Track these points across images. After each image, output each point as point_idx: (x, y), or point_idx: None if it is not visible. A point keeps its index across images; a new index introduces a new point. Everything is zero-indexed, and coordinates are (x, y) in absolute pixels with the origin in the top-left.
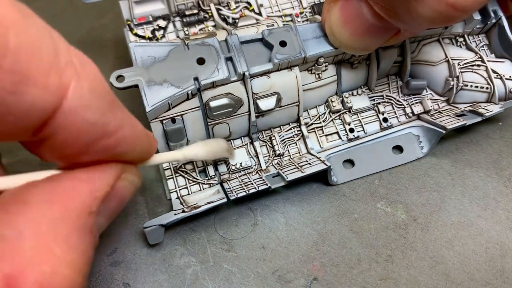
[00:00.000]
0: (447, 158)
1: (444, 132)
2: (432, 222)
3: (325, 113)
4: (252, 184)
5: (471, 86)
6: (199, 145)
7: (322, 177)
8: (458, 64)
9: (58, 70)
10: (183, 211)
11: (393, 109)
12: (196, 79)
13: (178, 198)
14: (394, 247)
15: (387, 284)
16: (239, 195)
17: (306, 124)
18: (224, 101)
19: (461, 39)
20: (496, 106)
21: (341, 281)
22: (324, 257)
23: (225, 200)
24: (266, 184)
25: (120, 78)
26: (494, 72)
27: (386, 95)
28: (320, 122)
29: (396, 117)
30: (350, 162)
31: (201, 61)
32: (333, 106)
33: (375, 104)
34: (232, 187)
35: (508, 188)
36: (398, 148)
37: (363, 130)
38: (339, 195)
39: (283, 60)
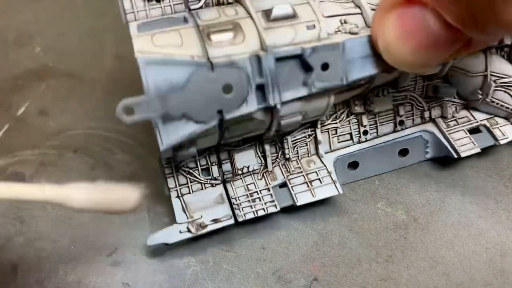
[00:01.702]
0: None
1: (455, 157)
2: (433, 222)
3: (343, 112)
4: (260, 199)
5: (497, 104)
6: (85, 187)
7: None
8: (495, 81)
9: None
10: (189, 230)
11: (412, 109)
12: (220, 111)
13: (178, 197)
14: (395, 247)
15: (387, 284)
16: (247, 217)
17: (321, 123)
18: (244, 126)
19: (507, 49)
20: None
21: (341, 282)
22: (324, 258)
23: (232, 221)
24: (275, 207)
25: (129, 110)
26: None
27: (410, 96)
28: (336, 123)
29: (413, 118)
30: (354, 163)
31: (228, 89)
32: (355, 110)
33: (396, 105)
34: (238, 196)
35: (509, 188)
36: (404, 150)
37: (377, 131)
38: (339, 195)
39: (321, 89)
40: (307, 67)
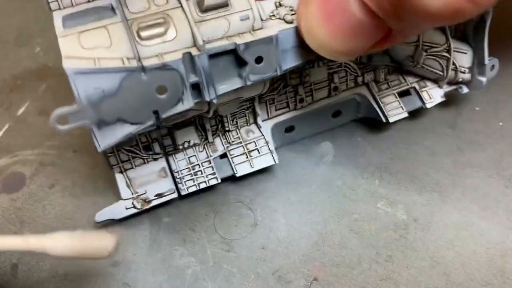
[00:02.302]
0: (447, 158)
1: (384, 121)
2: (433, 222)
3: (280, 84)
4: (201, 172)
5: (427, 69)
6: (64, 237)
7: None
8: (426, 50)
9: None
10: (134, 206)
11: (346, 75)
12: (155, 112)
13: (121, 172)
14: (395, 247)
15: (387, 284)
16: (189, 190)
17: (259, 96)
18: (182, 115)
19: None
20: (440, 91)
21: (341, 282)
22: (325, 258)
23: (175, 195)
24: (216, 179)
25: (62, 119)
26: (453, 64)
27: (345, 63)
28: (274, 94)
29: (346, 83)
30: (290, 127)
31: (162, 91)
32: (291, 82)
33: (331, 73)
34: (180, 170)
35: (509, 188)
36: (338, 112)
37: (312, 98)
38: (339, 195)
39: (256, 81)
40: (241, 62)
